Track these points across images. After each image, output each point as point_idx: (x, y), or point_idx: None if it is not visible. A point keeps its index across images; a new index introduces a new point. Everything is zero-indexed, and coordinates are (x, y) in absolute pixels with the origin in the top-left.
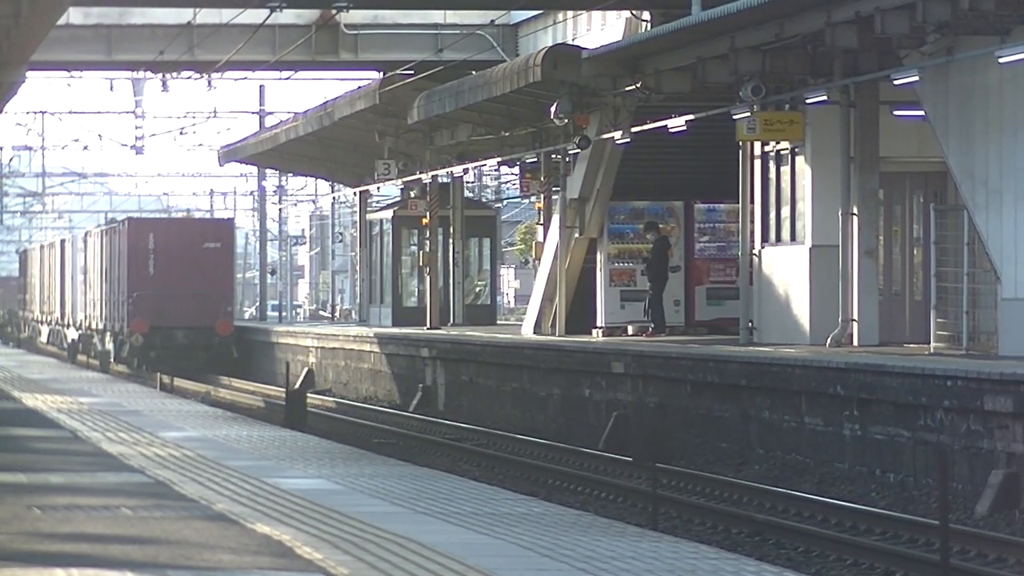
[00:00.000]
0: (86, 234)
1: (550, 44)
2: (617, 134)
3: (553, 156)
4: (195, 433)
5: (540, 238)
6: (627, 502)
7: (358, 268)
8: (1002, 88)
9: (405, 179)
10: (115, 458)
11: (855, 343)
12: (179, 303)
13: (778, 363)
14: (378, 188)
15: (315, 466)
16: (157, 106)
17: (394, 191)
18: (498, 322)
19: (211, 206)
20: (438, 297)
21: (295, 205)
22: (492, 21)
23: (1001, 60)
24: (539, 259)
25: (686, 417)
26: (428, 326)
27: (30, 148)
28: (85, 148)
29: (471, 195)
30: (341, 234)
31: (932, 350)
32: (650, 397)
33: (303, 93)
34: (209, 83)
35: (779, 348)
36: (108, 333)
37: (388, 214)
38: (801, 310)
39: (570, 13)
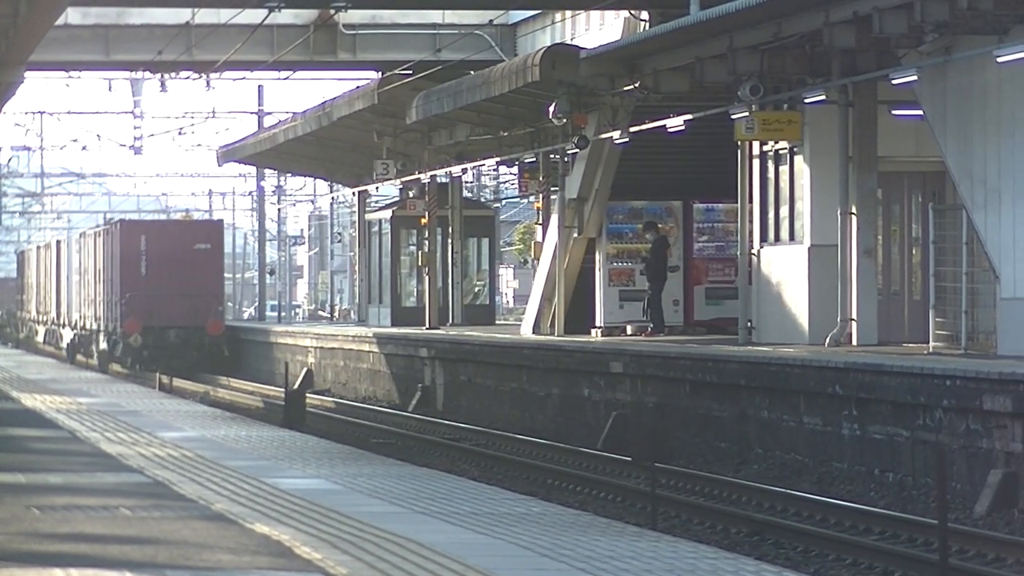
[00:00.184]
0: (80, 235)
1: (548, 44)
2: (615, 134)
3: (552, 156)
4: (194, 433)
5: (539, 238)
6: (626, 502)
7: (357, 268)
8: (1000, 87)
9: (404, 179)
10: (114, 458)
11: (854, 343)
12: (171, 303)
13: (777, 363)
14: (377, 188)
15: (314, 466)
16: (156, 106)
17: (393, 191)
18: (497, 322)
19: (210, 206)
20: (437, 297)
21: (294, 205)
22: (490, 21)
23: (999, 59)
24: (538, 259)
25: (685, 417)
26: (427, 326)
27: (29, 148)
28: (84, 148)
29: (470, 195)
30: (340, 234)
31: (931, 350)
32: (649, 397)
33: (302, 93)
34: (207, 83)
35: (778, 348)
36: (102, 333)
37: (387, 214)
38: (800, 310)
39: (568, 13)
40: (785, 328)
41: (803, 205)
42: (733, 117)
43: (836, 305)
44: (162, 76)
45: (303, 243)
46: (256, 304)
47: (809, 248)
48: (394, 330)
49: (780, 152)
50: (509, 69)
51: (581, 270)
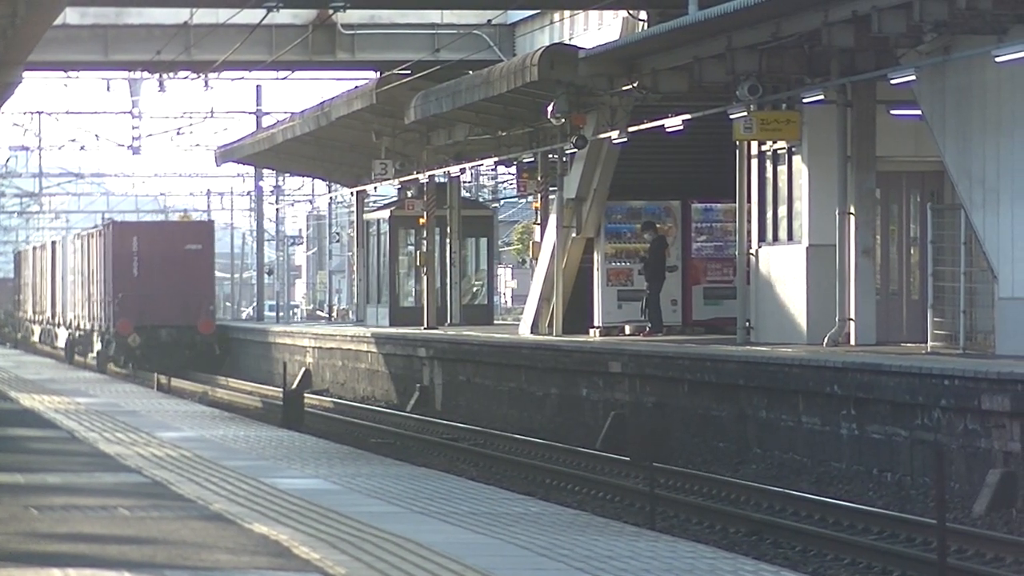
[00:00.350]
0: (74, 236)
1: (547, 44)
2: (614, 134)
3: (550, 156)
4: (192, 433)
5: (537, 238)
6: (624, 501)
7: (355, 268)
8: (999, 87)
9: (402, 179)
10: (112, 458)
11: (852, 342)
12: (162, 303)
13: (775, 362)
14: (375, 188)
15: (312, 466)
16: (154, 106)
17: (391, 191)
18: (495, 322)
19: (208, 206)
20: (435, 297)
21: (292, 205)
22: (489, 21)
23: (998, 59)
24: (536, 259)
25: (683, 417)
26: (425, 326)
27: (27, 148)
28: (82, 148)
29: (468, 195)
30: (338, 234)
31: (929, 349)
32: (647, 397)
33: (300, 93)
34: (206, 83)
35: (776, 348)
36: (96, 332)
37: (385, 214)
38: (798, 309)
39: (567, 13)
40: (783, 328)
41: (801, 205)
42: (731, 117)
43: (834, 305)
44: (160, 76)
45: (301, 243)
46: (254, 304)
47: (807, 248)
48: (392, 330)
49: (778, 152)
50: (508, 69)
51: (579, 270)
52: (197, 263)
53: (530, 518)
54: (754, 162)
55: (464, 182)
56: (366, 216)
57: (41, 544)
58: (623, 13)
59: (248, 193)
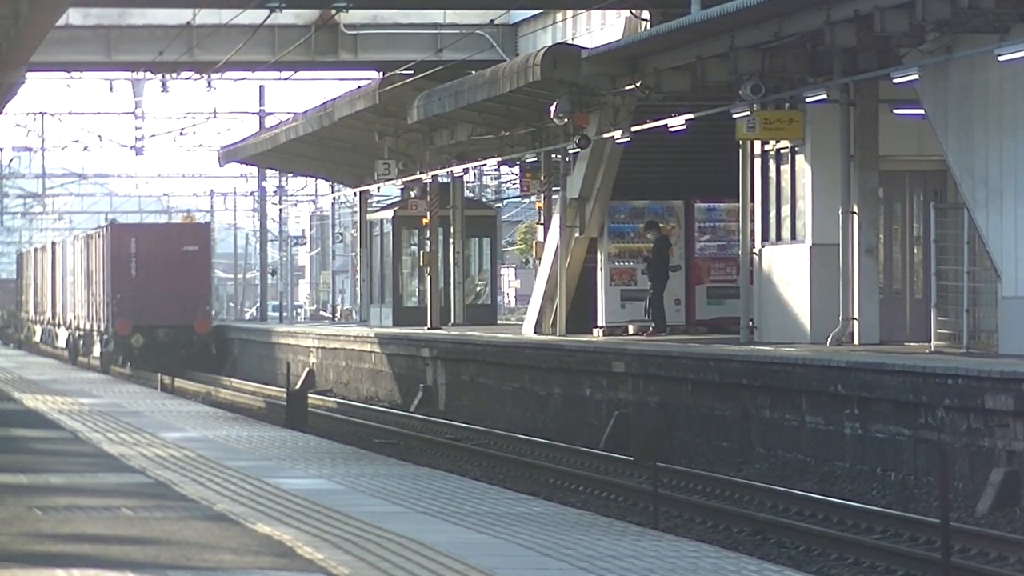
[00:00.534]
0: (74, 238)
1: (549, 44)
2: (617, 133)
3: (553, 156)
4: (196, 434)
5: (540, 238)
6: (628, 501)
7: (358, 268)
8: (1002, 86)
9: (405, 179)
10: (116, 459)
11: (855, 342)
12: (160, 303)
13: (779, 362)
14: (378, 188)
15: (316, 466)
16: (157, 107)
17: (394, 191)
18: (498, 322)
19: (211, 207)
20: (438, 297)
21: (295, 205)
22: (491, 21)
23: (1001, 58)
24: (539, 259)
25: (687, 416)
26: (429, 326)
27: (30, 149)
28: (85, 149)
29: (471, 195)
30: (341, 234)
31: (932, 348)
32: (651, 396)
33: (303, 93)
34: (209, 83)
35: (780, 347)
36: (95, 332)
37: (388, 214)
38: (801, 309)
39: (569, 13)
40: (787, 327)
41: (804, 204)
42: (734, 116)
43: (838, 304)
44: (163, 76)
45: (305, 243)
46: (258, 304)
47: (811, 247)
48: (396, 330)
49: (781, 151)
50: (510, 69)
51: (583, 270)
52: (194, 264)
53: (534, 518)
54: (757, 161)
55: (467, 182)
56: (369, 216)
57: (45, 544)
58: (625, 13)
59: (251, 193)
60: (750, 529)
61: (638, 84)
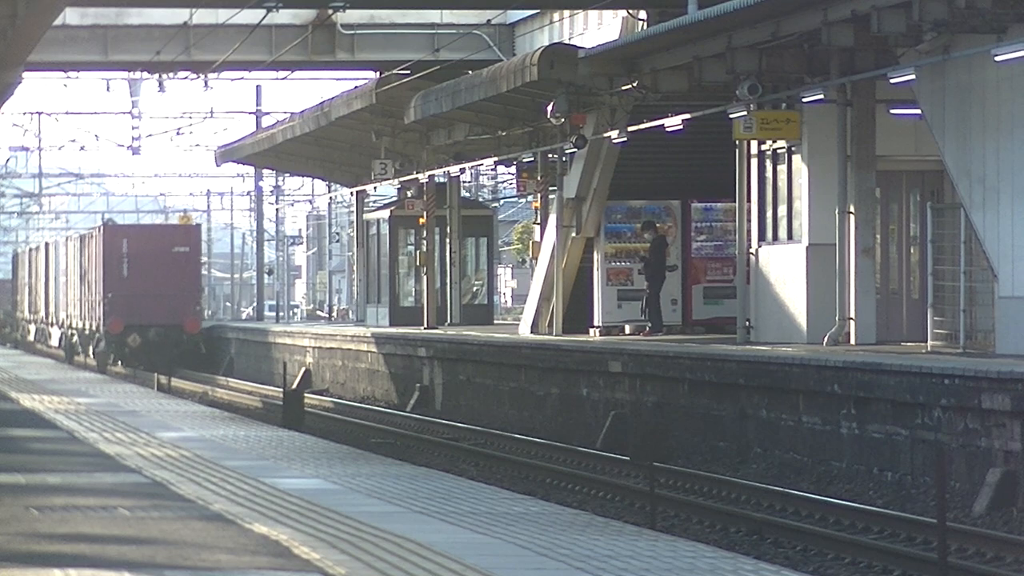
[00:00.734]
0: (67, 239)
1: (547, 44)
2: (614, 133)
3: (550, 155)
4: (192, 433)
5: (537, 238)
6: (625, 501)
7: (355, 268)
8: (999, 86)
9: (402, 179)
10: (112, 458)
11: (852, 342)
12: (151, 303)
13: (776, 362)
14: (375, 188)
15: (312, 466)
16: (154, 106)
17: (391, 191)
18: (495, 322)
19: (208, 206)
20: (435, 297)
21: (292, 205)
22: (488, 21)
23: (998, 58)
24: (536, 259)
25: (684, 416)
26: (425, 326)
27: (27, 149)
28: (82, 149)
29: (468, 195)
30: (338, 234)
31: (929, 348)
32: (648, 396)
33: (300, 93)
34: (206, 83)
35: (776, 347)
36: (87, 331)
37: (385, 214)
38: (798, 309)
39: (567, 13)
40: (783, 327)
41: (801, 204)
42: (731, 116)
43: (834, 304)
44: (160, 76)
45: (301, 243)
46: (254, 304)
47: (807, 247)
48: (392, 330)
49: (778, 151)
50: (507, 69)
51: (579, 269)
52: (184, 265)
53: (530, 518)
54: (754, 161)
55: (464, 182)
56: (366, 216)
57: (42, 544)
58: (623, 13)
59: (248, 193)
60: (747, 529)
61: (635, 84)
